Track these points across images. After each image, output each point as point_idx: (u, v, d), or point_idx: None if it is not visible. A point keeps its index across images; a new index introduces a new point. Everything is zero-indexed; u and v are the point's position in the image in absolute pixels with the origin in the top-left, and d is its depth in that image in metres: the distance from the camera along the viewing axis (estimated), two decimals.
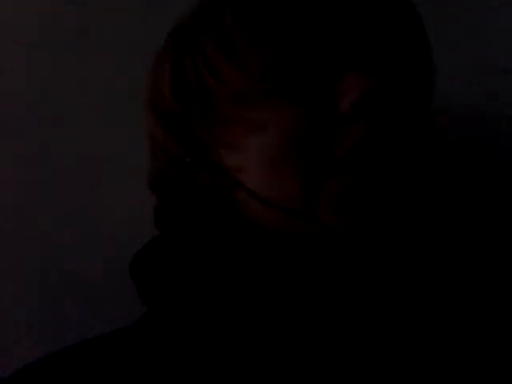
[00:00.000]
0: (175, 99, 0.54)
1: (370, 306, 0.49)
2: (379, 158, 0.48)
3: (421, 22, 0.54)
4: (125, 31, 0.78)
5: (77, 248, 0.78)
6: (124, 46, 0.78)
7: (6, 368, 0.53)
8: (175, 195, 0.55)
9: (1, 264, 0.77)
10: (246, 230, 0.51)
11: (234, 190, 0.52)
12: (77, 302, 0.77)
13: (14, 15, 0.78)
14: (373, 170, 0.48)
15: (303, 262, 0.49)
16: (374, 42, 0.50)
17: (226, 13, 0.52)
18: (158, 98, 0.56)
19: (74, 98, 0.78)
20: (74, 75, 0.78)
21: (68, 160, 0.78)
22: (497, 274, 0.72)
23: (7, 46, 0.78)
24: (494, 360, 0.52)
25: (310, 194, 0.48)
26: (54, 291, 0.77)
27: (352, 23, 0.50)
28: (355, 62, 0.49)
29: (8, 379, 0.52)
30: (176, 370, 0.49)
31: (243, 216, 0.52)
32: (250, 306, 0.49)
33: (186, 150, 0.54)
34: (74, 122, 0.78)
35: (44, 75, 0.78)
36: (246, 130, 0.50)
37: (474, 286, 0.66)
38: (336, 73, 0.49)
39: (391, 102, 0.49)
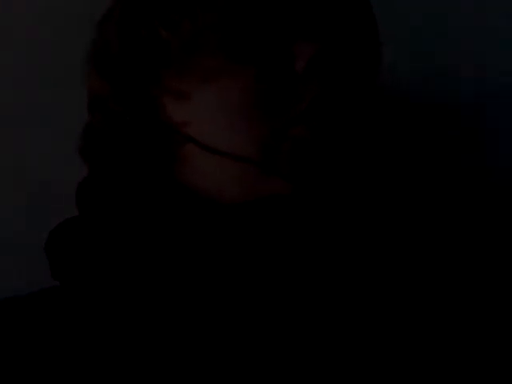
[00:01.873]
0: (122, 49, 0.53)
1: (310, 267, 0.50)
2: (332, 112, 0.53)
3: None
4: None
5: None
6: None
7: None
8: (110, 160, 0.54)
9: None
10: (185, 199, 0.50)
11: (180, 146, 0.52)
12: None
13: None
14: (327, 124, 0.53)
15: (244, 232, 0.49)
16: (318, 13, 0.54)
17: None
18: (103, 50, 0.54)
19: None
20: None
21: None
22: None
23: (7, 47, 0.78)
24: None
25: (267, 146, 0.51)
26: None
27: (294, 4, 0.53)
28: (304, 31, 0.53)
29: None
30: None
31: (183, 181, 0.51)
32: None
33: (128, 105, 0.53)
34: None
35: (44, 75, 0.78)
36: (198, 79, 0.51)
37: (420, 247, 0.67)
38: (288, 40, 0.52)
39: (337, 64, 0.54)
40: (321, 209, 0.52)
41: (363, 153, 0.57)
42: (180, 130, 0.51)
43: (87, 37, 0.53)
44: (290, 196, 0.51)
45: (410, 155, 0.77)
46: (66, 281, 0.53)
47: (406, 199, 0.76)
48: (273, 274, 0.49)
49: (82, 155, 0.56)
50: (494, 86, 0.78)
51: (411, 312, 0.51)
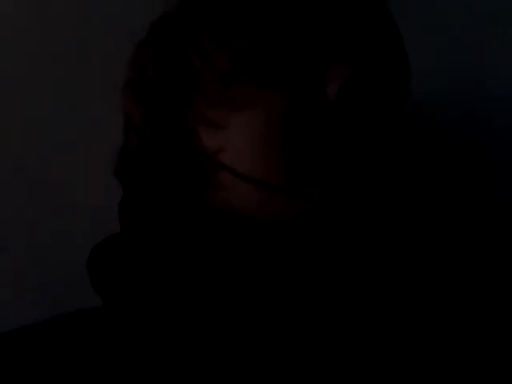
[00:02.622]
0: (157, 77, 0.54)
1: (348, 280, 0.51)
2: (363, 138, 0.52)
3: (393, 20, 0.58)
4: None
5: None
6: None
7: None
8: (145, 183, 0.55)
9: None
10: (222, 220, 0.51)
11: (213, 172, 0.52)
12: None
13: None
14: (357, 149, 0.52)
15: (284, 249, 0.50)
16: (352, 38, 0.53)
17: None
18: (139, 76, 0.56)
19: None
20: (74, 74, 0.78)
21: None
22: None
23: (7, 47, 0.78)
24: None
25: (298, 171, 0.51)
26: None
27: (332, 19, 0.53)
28: (337, 54, 0.52)
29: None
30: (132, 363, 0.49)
31: (218, 204, 0.52)
32: (221, 298, 0.49)
33: (162, 130, 0.54)
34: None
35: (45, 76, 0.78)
36: (231, 108, 0.51)
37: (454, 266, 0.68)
38: (320, 63, 0.52)
39: (370, 89, 0.53)
40: (347, 229, 0.52)
41: (388, 175, 0.56)
42: (214, 157, 0.52)
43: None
44: (318, 216, 0.51)
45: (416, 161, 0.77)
46: (107, 295, 0.54)
47: (416, 207, 0.75)
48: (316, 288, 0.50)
49: (117, 177, 0.57)
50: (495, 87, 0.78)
51: (420, 314, 0.52)
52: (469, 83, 0.79)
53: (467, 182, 0.78)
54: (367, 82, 0.52)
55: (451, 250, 0.74)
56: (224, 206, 0.52)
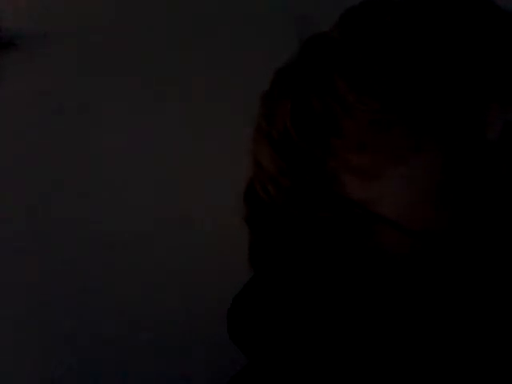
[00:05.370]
0: (297, 129, 0.52)
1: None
2: None
3: None
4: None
5: None
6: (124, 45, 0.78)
7: None
8: (282, 230, 0.53)
9: None
10: (382, 267, 0.50)
11: (368, 224, 0.50)
12: None
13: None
14: None
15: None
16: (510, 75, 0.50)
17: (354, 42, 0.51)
18: (276, 129, 0.53)
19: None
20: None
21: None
22: None
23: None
24: None
25: (461, 223, 0.48)
26: None
27: (487, 59, 0.49)
28: (497, 94, 0.49)
29: None
30: None
31: (374, 251, 0.50)
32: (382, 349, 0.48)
33: (304, 181, 0.52)
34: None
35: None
36: (384, 158, 0.48)
37: None
38: (479, 105, 0.49)
39: None
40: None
41: None
42: (367, 208, 0.50)
43: None
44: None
45: None
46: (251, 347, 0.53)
47: None
48: None
49: (249, 224, 0.55)
50: None
51: None
52: None
53: None
54: None
55: None
56: (372, 253, 0.50)
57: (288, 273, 0.52)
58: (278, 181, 0.53)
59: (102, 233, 0.78)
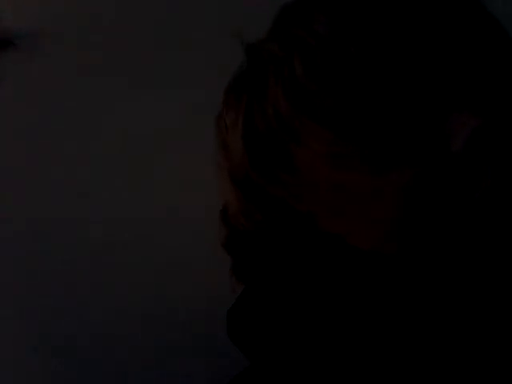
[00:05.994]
0: (252, 165, 0.49)
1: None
2: (500, 194, 0.47)
3: None
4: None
5: None
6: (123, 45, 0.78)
7: None
8: (263, 253, 0.52)
9: None
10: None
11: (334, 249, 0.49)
12: None
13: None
14: (495, 205, 0.47)
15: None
16: (478, 83, 0.47)
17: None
18: (234, 166, 0.50)
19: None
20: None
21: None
22: None
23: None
24: None
25: (413, 238, 0.47)
26: None
27: (454, 66, 0.47)
28: (462, 103, 0.46)
29: None
30: None
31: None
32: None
33: (277, 218, 0.50)
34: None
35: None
36: (346, 197, 0.47)
37: None
38: (439, 118, 0.46)
39: (498, 140, 0.47)
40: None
41: None
42: (338, 239, 0.48)
43: None
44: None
45: None
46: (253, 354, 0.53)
47: None
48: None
49: (227, 249, 0.54)
50: None
51: None
52: None
53: None
54: (497, 132, 0.46)
55: None
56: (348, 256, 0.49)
57: (277, 282, 0.52)
58: (249, 215, 0.50)
59: (102, 233, 0.78)
